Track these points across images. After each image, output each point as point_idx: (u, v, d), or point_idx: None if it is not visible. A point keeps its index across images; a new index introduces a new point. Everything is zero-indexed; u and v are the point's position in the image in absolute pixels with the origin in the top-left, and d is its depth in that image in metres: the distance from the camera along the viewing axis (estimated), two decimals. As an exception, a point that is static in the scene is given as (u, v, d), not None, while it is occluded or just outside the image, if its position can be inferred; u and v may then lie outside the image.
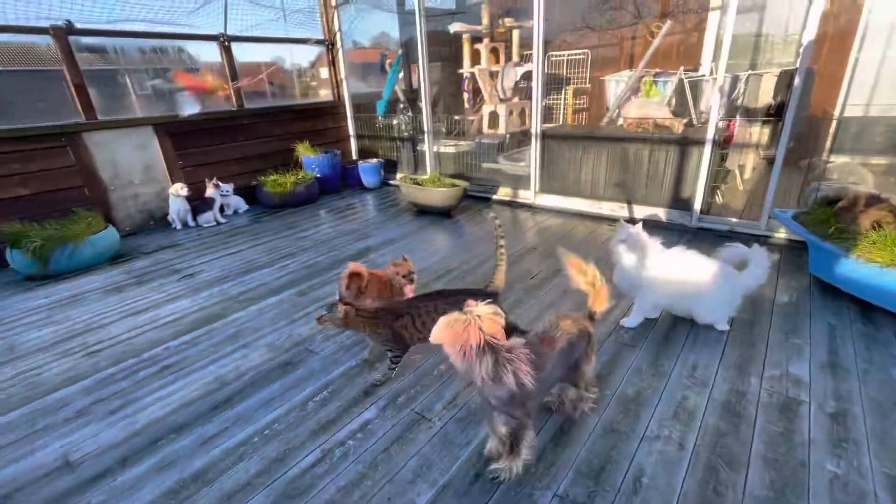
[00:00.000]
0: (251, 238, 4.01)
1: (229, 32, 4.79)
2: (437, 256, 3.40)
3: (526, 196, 4.52)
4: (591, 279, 1.67)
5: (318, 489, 1.50)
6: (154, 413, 1.90)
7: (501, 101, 5.58)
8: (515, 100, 5.64)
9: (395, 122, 5.62)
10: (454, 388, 1.95)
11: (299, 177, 4.99)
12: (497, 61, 5.78)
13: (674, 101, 4.19)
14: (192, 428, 1.80)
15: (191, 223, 4.36)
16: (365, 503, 1.44)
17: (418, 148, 5.46)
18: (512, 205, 4.61)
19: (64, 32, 3.67)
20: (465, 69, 5.75)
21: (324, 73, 6.24)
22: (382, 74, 6.01)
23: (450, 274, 3.07)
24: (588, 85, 5.84)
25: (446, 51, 6.14)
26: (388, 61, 5.85)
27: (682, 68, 4.25)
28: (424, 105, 4.96)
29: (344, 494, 1.48)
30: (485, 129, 5.64)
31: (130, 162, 4.17)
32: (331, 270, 3.22)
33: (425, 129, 5.07)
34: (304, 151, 5.28)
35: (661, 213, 3.77)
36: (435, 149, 5.17)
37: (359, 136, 6.10)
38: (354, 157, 6.10)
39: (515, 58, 5.71)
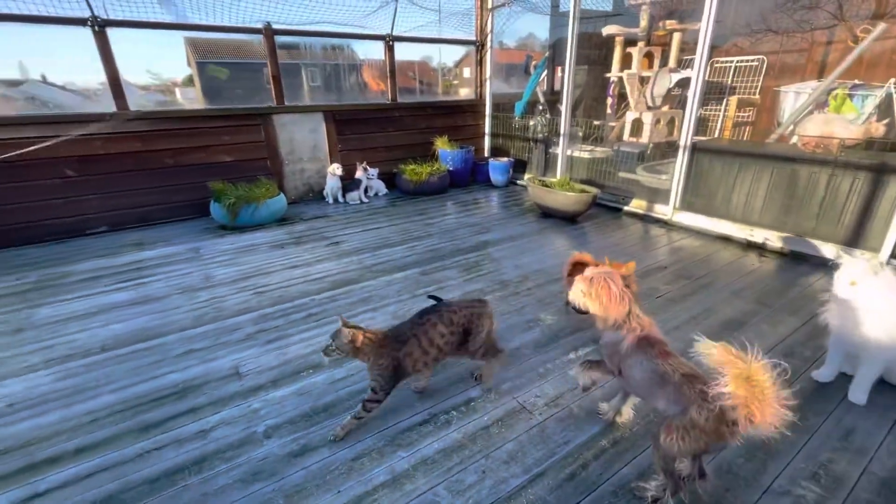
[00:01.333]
0: (387, 218, 4.45)
1: (394, 33, 5.31)
2: (554, 259, 3.38)
3: (662, 211, 4.20)
4: (753, 377, 1.12)
5: (422, 445, 1.66)
6: (299, 350, 2.28)
7: (649, 108, 5.23)
8: (665, 108, 5.24)
9: (531, 123, 5.65)
10: (558, 388, 1.96)
11: (434, 168, 5.35)
12: (650, 66, 5.43)
13: (874, 118, 3.48)
14: (325, 368, 2.12)
15: (340, 199, 5.01)
16: (461, 468, 1.56)
17: (551, 150, 5.43)
18: (644, 219, 4.32)
19: (272, 32, 4.48)
20: (613, 73, 5.51)
21: (466, 72, 6.56)
22: (525, 76, 6.09)
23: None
24: (757, 96, 5.15)
25: (595, 54, 5.95)
26: (533, 63, 5.90)
27: (892, 80, 3.51)
28: (564, 108, 4.90)
29: (444, 456, 1.62)
30: (625, 136, 5.35)
31: (303, 142, 4.94)
32: (451, 257, 3.43)
33: (561, 131, 5.02)
34: (442, 145, 5.64)
35: (831, 249, 3.19)
36: (569, 153, 5.08)
37: (493, 135, 6.27)
38: (486, 154, 6.29)
39: (672, 63, 5.29)
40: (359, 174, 4.99)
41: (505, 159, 5.72)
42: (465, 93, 6.57)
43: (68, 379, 2.07)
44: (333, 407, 1.87)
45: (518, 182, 5.80)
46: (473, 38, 5.94)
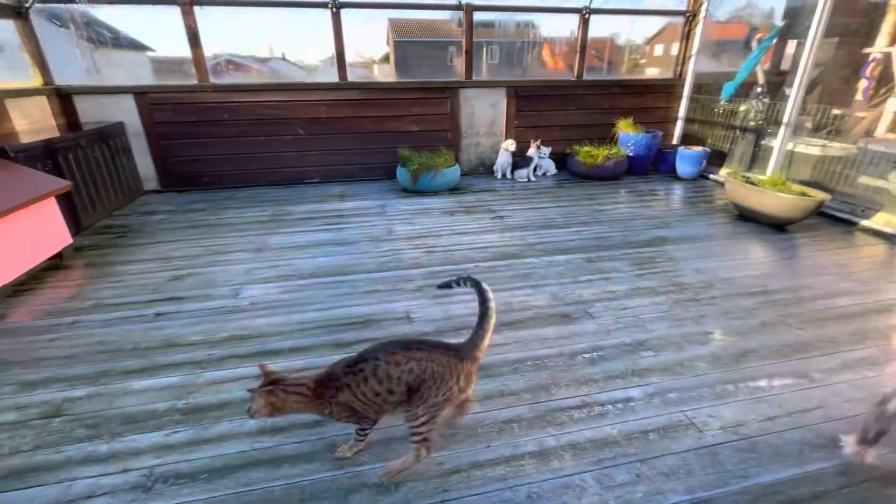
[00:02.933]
0: (553, 199, 4.37)
1: (591, 6, 5.01)
2: (750, 270, 2.87)
3: (925, 234, 3.18)
4: None
5: (572, 430, 1.64)
6: (459, 310, 2.43)
7: (930, 95, 3.92)
8: (959, 95, 3.86)
9: (741, 108, 4.79)
10: (739, 414, 1.70)
11: (611, 152, 4.99)
12: (945, 37, 4.03)
13: None
14: (483, 332, 2.23)
15: (508, 175, 5.08)
16: (612, 464, 1.50)
17: (762, 142, 4.54)
18: (891, 240, 3.33)
19: (471, 8, 4.67)
20: (876, 48, 4.26)
21: (658, 49, 5.86)
22: (741, 52, 5.14)
23: (766, 295, 2.55)
24: None
25: (849, 23, 4.66)
26: (757, 36, 4.93)
27: None
28: (795, 91, 4.00)
29: (594, 447, 1.57)
30: (879, 131, 4.14)
31: (482, 116, 5.12)
32: (620, 249, 3.20)
33: (784, 120, 4.13)
34: (624, 128, 5.20)
35: None
36: (789, 146, 4.18)
37: (688, 120, 5.52)
38: (675, 141, 5.59)
39: None
40: (531, 151, 4.97)
41: (698, 148, 5.00)
42: (651, 73, 5.90)
43: (288, 293, 2.62)
44: (490, 368, 1.96)
45: (710, 176, 5.03)
46: (683, 9, 5.23)
